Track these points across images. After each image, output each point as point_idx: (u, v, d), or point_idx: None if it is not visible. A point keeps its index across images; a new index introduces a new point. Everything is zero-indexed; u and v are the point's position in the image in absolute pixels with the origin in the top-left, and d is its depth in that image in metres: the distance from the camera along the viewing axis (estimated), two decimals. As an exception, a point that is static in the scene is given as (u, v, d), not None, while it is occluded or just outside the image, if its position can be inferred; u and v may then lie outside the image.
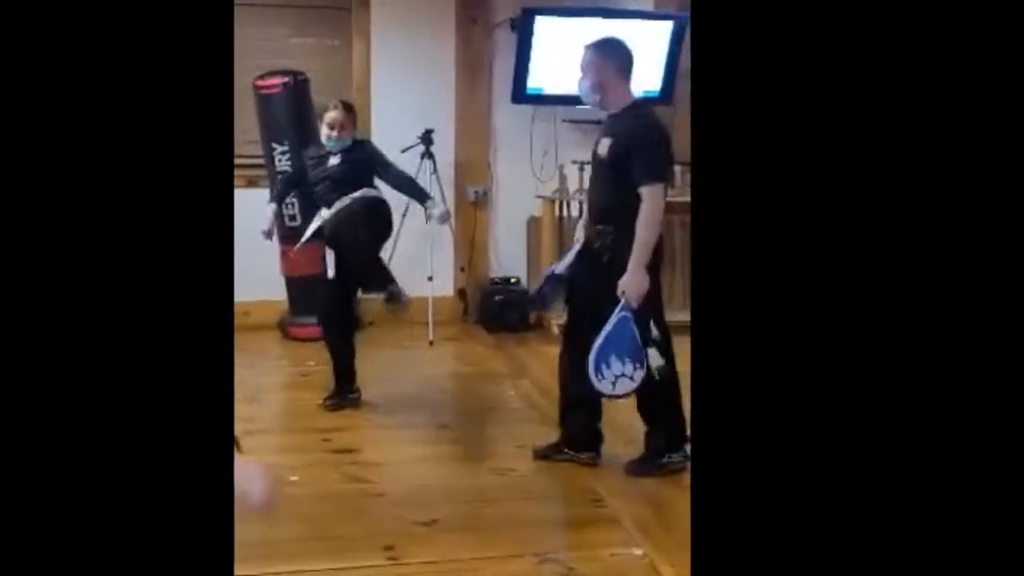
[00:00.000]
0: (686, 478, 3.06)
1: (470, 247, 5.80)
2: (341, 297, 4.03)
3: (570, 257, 3.29)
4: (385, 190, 4.05)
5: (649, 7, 5.81)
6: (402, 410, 4.08)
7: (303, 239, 4.17)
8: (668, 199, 5.53)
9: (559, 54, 5.12)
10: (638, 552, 2.66)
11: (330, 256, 3.91)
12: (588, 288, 3.19)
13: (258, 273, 4.83)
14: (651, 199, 3.02)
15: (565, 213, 5.58)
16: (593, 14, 5.34)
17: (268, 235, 4.05)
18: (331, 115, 3.91)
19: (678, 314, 5.43)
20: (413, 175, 4.83)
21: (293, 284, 5.23)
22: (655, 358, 3.08)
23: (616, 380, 3.03)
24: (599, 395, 3.16)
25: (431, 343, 5.20)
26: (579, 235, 3.31)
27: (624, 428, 3.44)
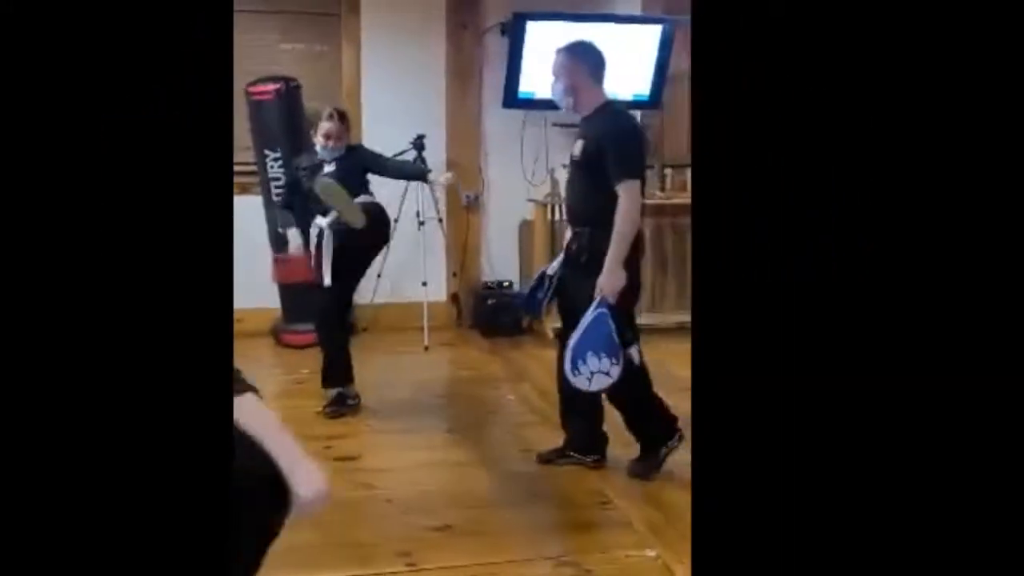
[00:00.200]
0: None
1: (462, 252, 5.80)
2: (338, 304, 4.02)
3: (559, 260, 3.30)
4: (380, 193, 4.06)
5: (637, 11, 5.83)
6: (402, 416, 4.07)
7: (292, 244, 4.13)
8: (658, 201, 5.70)
9: (550, 58, 5.11)
10: (651, 553, 2.67)
11: (327, 263, 3.89)
12: (571, 290, 3.19)
13: (251, 280, 4.79)
14: (627, 196, 3.00)
15: (557, 216, 5.59)
16: (583, 19, 5.36)
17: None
18: (326, 126, 3.90)
19: (671, 316, 5.57)
20: (404, 183, 4.87)
21: (286, 291, 5.20)
22: (635, 353, 3.08)
23: (592, 376, 3.02)
24: (589, 394, 3.15)
25: (426, 348, 5.19)
26: (568, 238, 3.32)
27: (626, 429, 3.45)
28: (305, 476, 1.58)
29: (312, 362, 4.35)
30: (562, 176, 5.39)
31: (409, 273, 5.37)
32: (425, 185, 5.14)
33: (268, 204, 5.15)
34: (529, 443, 3.61)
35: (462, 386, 4.72)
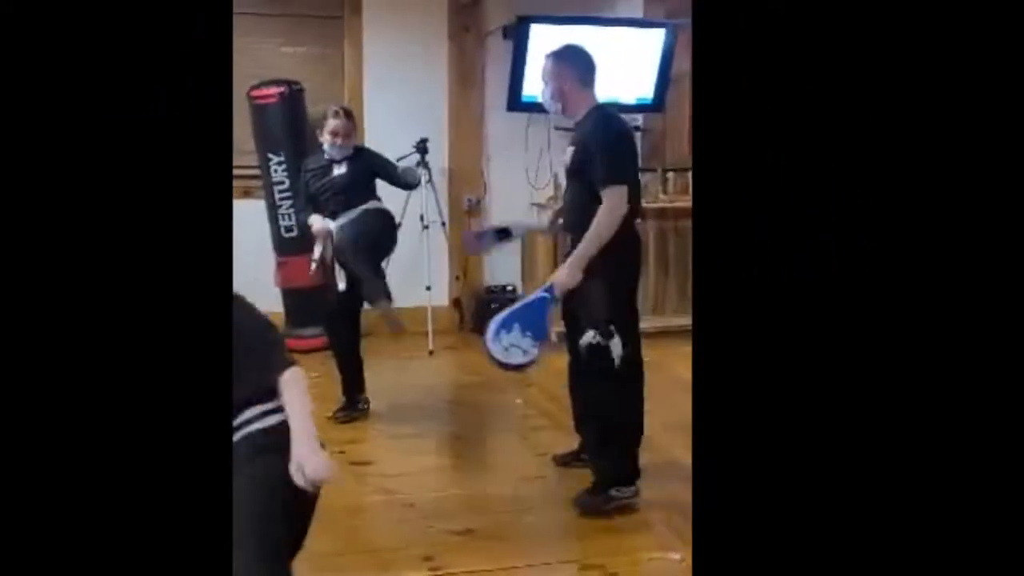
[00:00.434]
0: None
1: (464, 256, 5.78)
2: (351, 309, 4.00)
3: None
4: (384, 196, 4.05)
5: (640, 15, 5.84)
6: (412, 420, 4.06)
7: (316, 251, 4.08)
8: (661, 205, 5.70)
9: (549, 63, 5.13)
10: (675, 556, 2.67)
11: (340, 268, 3.87)
12: (572, 296, 3.09)
13: (254, 285, 4.75)
14: (610, 199, 2.91)
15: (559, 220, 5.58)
16: (587, 22, 5.36)
17: (321, 264, 3.96)
18: (333, 123, 3.88)
19: (674, 319, 5.57)
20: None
21: (290, 296, 5.17)
22: (617, 346, 2.97)
23: (509, 348, 3.01)
24: (631, 423, 3.04)
25: (431, 352, 5.17)
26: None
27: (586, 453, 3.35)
28: (312, 469, 1.71)
29: (318, 366, 4.32)
30: (564, 181, 5.41)
31: (412, 277, 5.34)
32: (428, 189, 5.14)
33: (271, 208, 5.12)
34: (542, 447, 3.60)
35: (469, 390, 4.70)
